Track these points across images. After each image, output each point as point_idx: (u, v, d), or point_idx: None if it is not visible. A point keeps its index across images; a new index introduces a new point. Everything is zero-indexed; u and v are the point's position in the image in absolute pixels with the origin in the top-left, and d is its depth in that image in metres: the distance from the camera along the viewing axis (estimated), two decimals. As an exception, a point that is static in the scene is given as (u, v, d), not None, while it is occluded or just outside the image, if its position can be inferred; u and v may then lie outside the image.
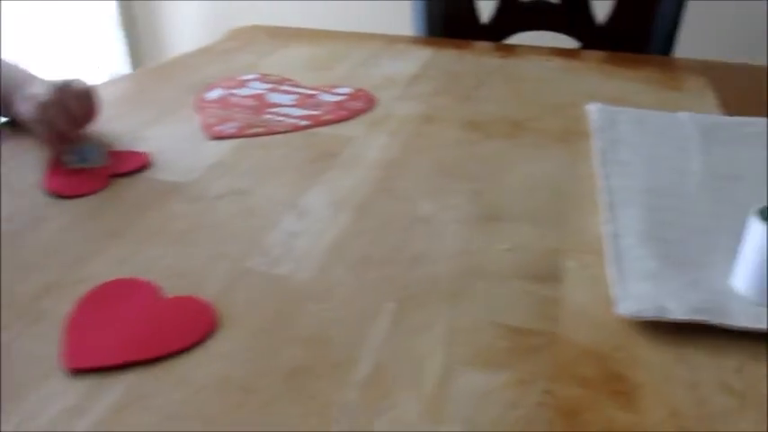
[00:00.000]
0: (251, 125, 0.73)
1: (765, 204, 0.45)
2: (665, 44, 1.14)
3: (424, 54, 1.00)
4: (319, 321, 0.44)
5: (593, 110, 0.76)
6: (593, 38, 1.17)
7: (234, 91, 0.83)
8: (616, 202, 0.56)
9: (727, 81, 0.91)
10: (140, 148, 0.68)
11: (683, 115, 0.75)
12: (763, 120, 0.74)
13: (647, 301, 0.43)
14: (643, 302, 0.43)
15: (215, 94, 0.82)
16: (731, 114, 0.78)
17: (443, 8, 1.16)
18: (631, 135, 0.70)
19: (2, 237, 0.52)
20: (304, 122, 0.74)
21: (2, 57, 0.70)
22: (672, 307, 0.43)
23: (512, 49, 1.05)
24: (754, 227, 0.44)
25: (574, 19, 1.17)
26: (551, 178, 0.62)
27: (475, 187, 0.61)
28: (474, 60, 0.97)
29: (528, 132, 0.72)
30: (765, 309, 0.43)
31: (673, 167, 0.63)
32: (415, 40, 1.08)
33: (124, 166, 0.63)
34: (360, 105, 0.79)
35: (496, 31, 1.19)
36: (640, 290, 0.45)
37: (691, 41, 1.29)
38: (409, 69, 0.93)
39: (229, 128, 0.72)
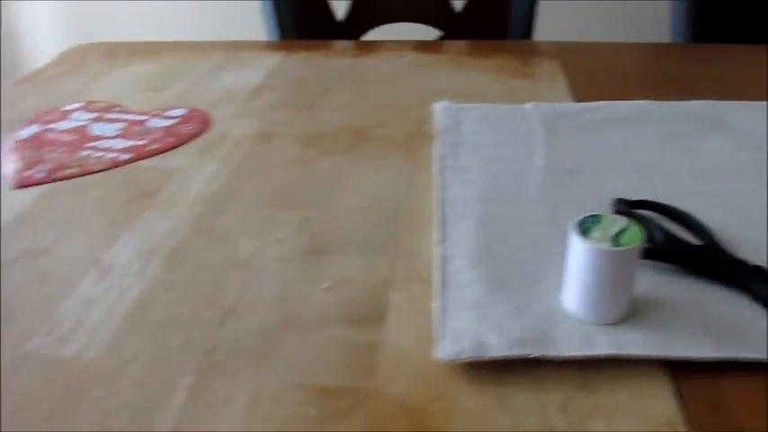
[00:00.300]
0: (64, 166, 0.66)
1: (585, 215, 0.41)
2: (525, 27, 1.13)
3: (272, 61, 0.94)
4: (102, 412, 0.38)
5: (438, 109, 0.72)
6: (454, 26, 1.14)
7: (52, 125, 0.75)
8: (450, 217, 0.53)
9: (581, 62, 0.90)
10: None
11: (529, 106, 0.72)
12: (607, 103, 0.72)
13: (466, 339, 0.39)
14: (462, 341, 0.39)
15: (29, 131, 0.74)
16: (581, 99, 0.76)
17: (293, 7, 1.10)
18: (474, 135, 0.66)
19: None
20: (125, 156, 0.67)
21: None
22: (492, 342, 0.39)
23: (367, 47, 1.00)
24: (574, 243, 0.40)
25: (432, 8, 1.14)
26: (389, 195, 0.58)
27: (305, 215, 0.55)
28: (324, 63, 0.92)
29: (370, 142, 0.68)
30: (595, 329, 0.40)
31: (514, 168, 0.60)
32: (264, 46, 1.02)
33: None
34: (191, 129, 0.72)
35: (354, 28, 1.14)
36: (462, 325, 0.41)
37: (554, 22, 1.29)
38: (253, 80, 0.86)
39: (38, 172, 0.64)
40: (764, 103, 0.72)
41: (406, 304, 0.45)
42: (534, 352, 0.38)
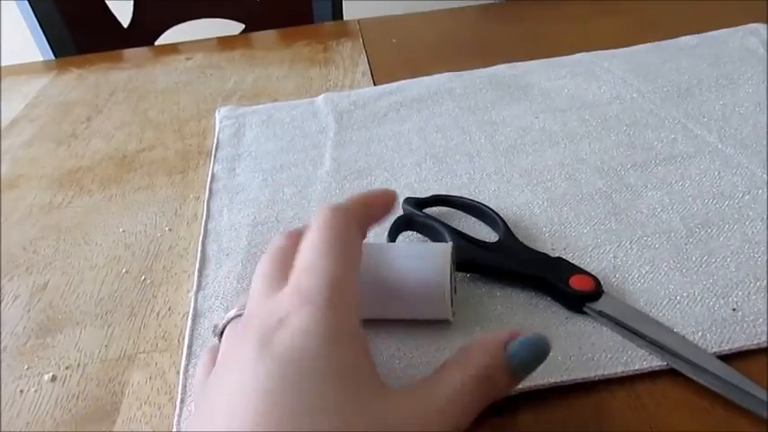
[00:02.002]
0: None
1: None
2: (334, 6, 1.05)
3: (36, 85, 0.80)
4: None
5: (219, 118, 0.63)
6: (255, 17, 1.05)
7: None
8: (214, 255, 0.43)
9: (385, 39, 0.83)
10: None
11: (320, 99, 0.64)
12: (403, 83, 0.65)
13: None
14: None
15: None
16: (381, 81, 0.69)
17: (68, 22, 0.96)
18: (257, 143, 0.58)
19: None
20: None
21: None
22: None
23: (150, 54, 0.88)
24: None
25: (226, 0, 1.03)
26: (149, 236, 0.48)
27: (39, 281, 0.45)
28: (98, 80, 0.80)
29: (137, 171, 0.57)
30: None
31: (298, 178, 0.52)
32: (31, 68, 0.88)
33: None
34: None
35: (145, 33, 1.02)
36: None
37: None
38: (9, 113, 0.73)
39: None
40: (566, 57, 0.68)
41: (146, 387, 0.35)
42: None
